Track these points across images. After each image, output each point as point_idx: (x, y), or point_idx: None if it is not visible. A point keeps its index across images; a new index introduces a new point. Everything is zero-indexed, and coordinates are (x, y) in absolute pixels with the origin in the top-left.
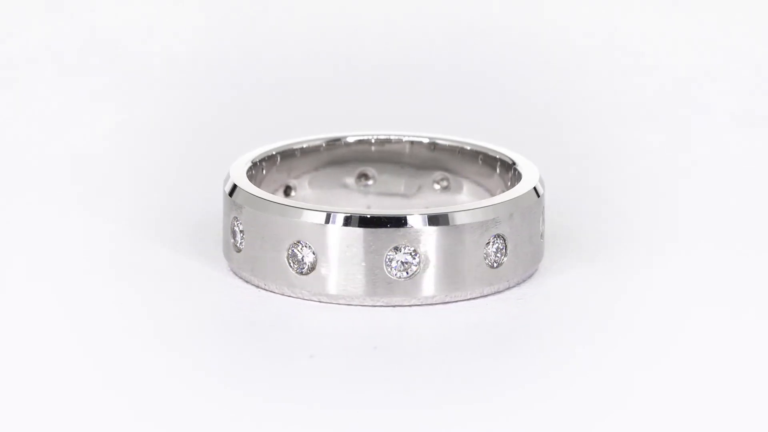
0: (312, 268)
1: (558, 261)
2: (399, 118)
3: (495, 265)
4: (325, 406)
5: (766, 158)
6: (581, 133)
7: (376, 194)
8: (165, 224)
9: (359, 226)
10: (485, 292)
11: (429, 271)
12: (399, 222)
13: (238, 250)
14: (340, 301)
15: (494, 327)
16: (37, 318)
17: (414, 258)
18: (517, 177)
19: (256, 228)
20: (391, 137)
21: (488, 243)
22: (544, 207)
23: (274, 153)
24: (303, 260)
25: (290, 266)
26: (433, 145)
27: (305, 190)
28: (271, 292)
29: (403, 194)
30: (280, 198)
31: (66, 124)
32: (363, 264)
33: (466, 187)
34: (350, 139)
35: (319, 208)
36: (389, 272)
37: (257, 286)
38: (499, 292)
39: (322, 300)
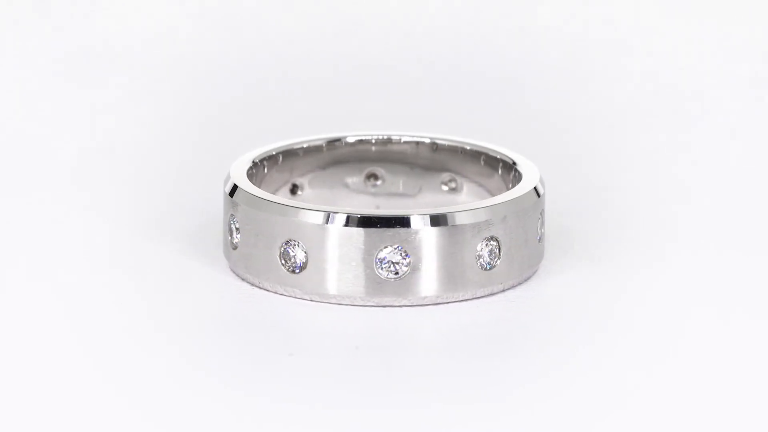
0: (303, 266)
1: (558, 261)
2: (399, 118)
3: (488, 267)
4: (326, 407)
5: (766, 159)
6: (582, 134)
7: (375, 194)
8: (166, 224)
9: (351, 225)
10: (478, 294)
11: (419, 272)
12: (389, 222)
13: (235, 248)
14: (332, 301)
15: (492, 327)
16: (37, 317)
17: (404, 258)
18: (518, 178)
19: (251, 226)
20: (392, 137)
21: (481, 245)
22: (544, 208)
23: (274, 153)
24: (294, 259)
25: (282, 264)
26: (435, 146)
27: (306, 189)
28: (265, 290)
29: (402, 194)
30: (274, 197)
31: (66, 123)
32: (353, 264)
33: (467, 187)
34: (350, 139)
35: (314, 208)
36: (379, 272)
37: (252, 284)
38: (492, 294)
39: (313, 299)
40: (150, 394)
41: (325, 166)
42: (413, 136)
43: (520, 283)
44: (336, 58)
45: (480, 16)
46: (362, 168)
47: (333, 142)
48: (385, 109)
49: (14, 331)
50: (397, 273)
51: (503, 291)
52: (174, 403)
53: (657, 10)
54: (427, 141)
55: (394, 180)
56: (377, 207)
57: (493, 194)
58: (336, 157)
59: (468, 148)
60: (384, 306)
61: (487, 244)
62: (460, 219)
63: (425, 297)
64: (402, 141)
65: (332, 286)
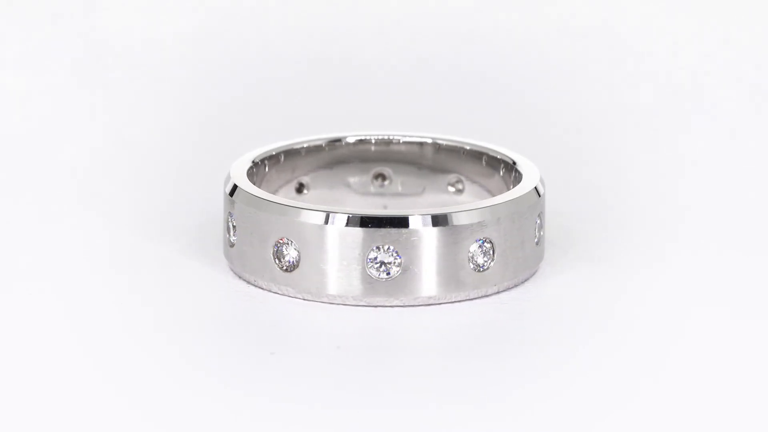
0: (296, 265)
1: (558, 262)
2: (399, 118)
3: (481, 268)
4: (324, 407)
5: (766, 159)
6: (582, 134)
7: (376, 194)
8: (166, 224)
9: (343, 225)
10: (471, 296)
11: (411, 273)
12: (381, 222)
13: (232, 245)
14: (324, 300)
15: (485, 329)
16: (37, 317)
17: (396, 259)
18: (518, 178)
19: (246, 224)
20: (392, 137)
21: (474, 246)
22: (542, 211)
23: (275, 153)
24: (287, 257)
25: (275, 263)
26: (437, 146)
27: (312, 189)
28: (260, 288)
29: (402, 194)
30: (270, 195)
31: (67, 123)
32: (345, 263)
33: (469, 188)
34: (350, 139)
35: (306, 207)
36: (371, 272)
37: (248, 282)
38: (485, 296)
39: (306, 298)
40: (150, 394)
41: (327, 166)
42: (413, 137)
43: (516, 285)
44: (336, 58)
45: (480, 16)
46: (363, 168)
47: (334, 142)
48: (385, 109)
49: (14, 330)
50: (388, 273)
51: (498, 293)
52: (174, 402)
53: (657, 10)
54: (429, 141)
55: (395, 180)
56: (385, 207)
57: (493, 195)
58: (338, 157)
59: (468, 148)
60: (375, 306)
61: (480, 246)
62: (454, 220)
63: (417, 297)
64: (402, 141)
65: (324, 286)
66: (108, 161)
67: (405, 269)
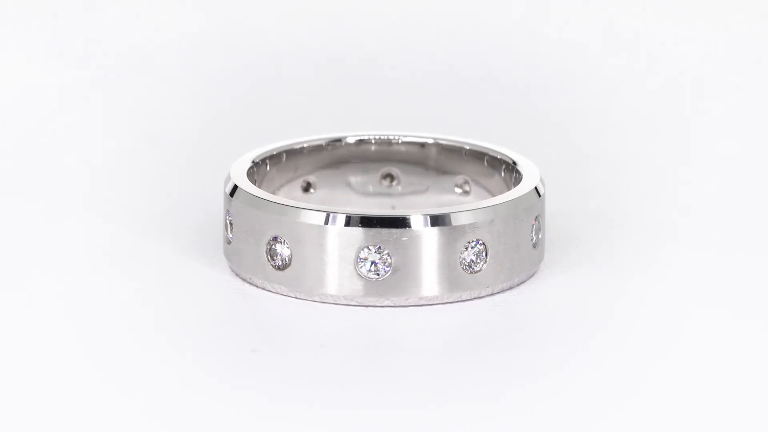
0: (288, 264)
1: (557, 262)
2: (399, 118)
3: (473, 270)
4: (325, 406)
5: (766, 159)
6: (582, 134)
7: (374, 194)
8: (166, 223)
9: (333, 224)
10: (463, 297)
11: (401, 273)
12: (371, 222)
13: (229, 242)
14: (315, 299)
15: (484, 329)
16: (37, 317)
17: (386, 259)
18: (518, 179)
19: (241, 222)
20: (392, 138)
21: (465, 248)
22: (540, 213)
23: (275, 152)
24: (279, 255)
25: (268, 261)
26: (439, 147)
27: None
28: (254, 285)
29: (402, 193)
30: (265, 194)
31: (67, 123)
32: (335, 262)
33: (473, 189)
34: (350, 140)
35: (298, 206)
36: (360, 272)
37: (243, 280)
38: (478, 297)
39: (298, 297)
40: (150, 394)
41: (329, 166)
42: (415, 137)
43: (511, 287)
44: (336, 58)
45: (480, 16)
46: (364, 168)
47: (334, 142)
48: (385, 109)
49: (14, 330)
50: (378, 273)
51: (491, 295)
52: (173, 402)
53: (657, 11)
54: (430, 141)
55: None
56: (393, 207)
57: (494, 195)
58: (339, 156)
59: (468, 148)
60: (367, 306)
61: (472, 247)
62: (451, 221)
63: (408, 298)
64: (402, 141)
65: (316, 285)
66: (108, 161)
67: (395, 270)
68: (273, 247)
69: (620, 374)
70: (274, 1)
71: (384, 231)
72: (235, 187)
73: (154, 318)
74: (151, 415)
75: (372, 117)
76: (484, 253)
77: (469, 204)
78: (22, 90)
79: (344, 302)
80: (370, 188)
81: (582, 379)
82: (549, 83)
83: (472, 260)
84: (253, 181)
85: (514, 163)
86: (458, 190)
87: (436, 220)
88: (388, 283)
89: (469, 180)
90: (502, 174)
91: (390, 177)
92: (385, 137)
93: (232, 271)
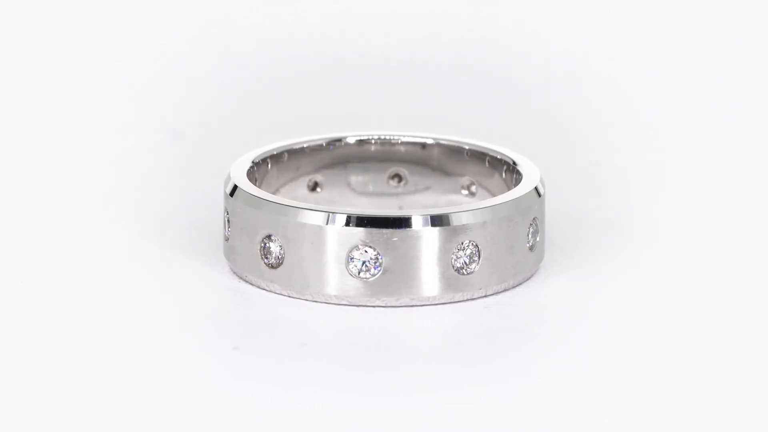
0: (280, 262)
1: (557, 264)
2: (399, 119)
3: (464, 272)
4: (326, 406)
5: (766, 159)
6: (582, 134)
7: (376, 194)
8: (166, 223)
9: (324, 223)
10: (455, 299)
11: (391, 274)
12: (363, 222)
13: (227, 239)
14: (307, 297)
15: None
16: (37, 317)
17: (377, 259)
18: (519, 179)
19: (237, 219)
20: (391, 138)
21: (458, 249)
22: (537, 216)
23: (276, 152)
24: (272, 253)
25: (262, 259)
26: (442, 147)
27: (303, 189)
28: (248, 283)
29: (401, 194)
30: (263, 193)
31: (67, 123)
32: (327, 261)
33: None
34: (350, 140)
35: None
36: (352, 272)
37: (240, 277)
38: (471, 299)
39: (291, 295)
40: (150, 394)
41: (331, 165)
42: (415, 137)
43: (506, 290)
44: (336, 58)
45: (480, 16)
46: (365, 168)
47: (334, 143)
48: (385, 109)
49: (14, 330)
50: (369, 273)
51: (485, 296)
52: (174, 402)
53: (657, 11)
54: (430, 141)
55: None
56: (400, 207)
57: (494, 196)
58: (340, 156)
59: (467, 148)
60: (357, 305)
61: (464, 249)
62: (435, 222)
63: (399, 299)
64: (402, 141)
65: (307, 284)
66: (108, 161)
67: (386, 270)
68: (266, 245)
69: (620, 375)
70: (275, 1)
71: (374, 231)
72: (235, 187)
73: (154, 317)
74: (152, 414)
75: (373, 117)
76: (476, 255)
77: (463, 205)
78: (23, 90)
79: (335, 302)
80: (371, 188)
81: (582, 379)
82: (549, 83)
83: (464, 262)
84: (254, 180)
85: (515, 163)
86: (464, 192)
87: (429, 221)
88: (379, 284)
89: (475, 182)
90: (503, 175)
91: (398, 177)
92: (387, 137)
93: (232, 270)
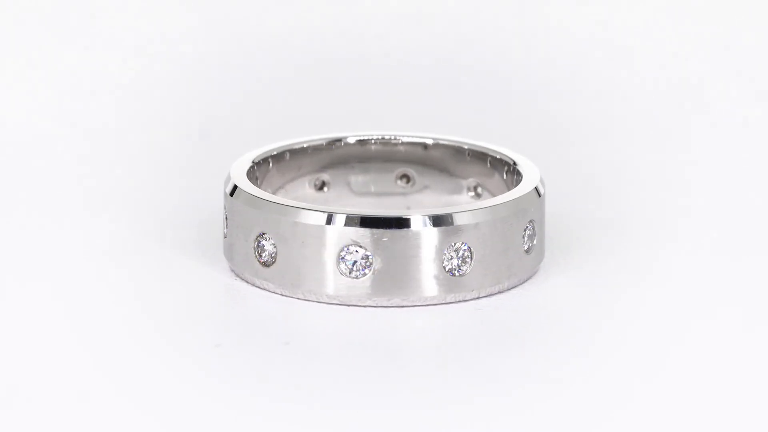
0: (273, 260)
1: (556, 263)
2: (399, 119)
3: (456, 273)
4: (325, 406)
5: (766, 159)
6: (582, 134)
7: (377, 194)
8: (167, 223)
9: (317, 222)
10: (448, 300)
11: (382, 274)
12: (353, 221)
13: (225, 237)
14: (299, 296)
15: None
16: (37, 317)
17: (367, 259)
18: (519, 180)
19: (234, 218)
20: (391, 138)
21: (450, 250)
22: (542, 217)
23: (276, 152)
24: (265, 251)
25: (256, 257)
26: (444, 147)
27: (304, 189)
28: (244, 281)
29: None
30: (262, 193)
31: (68, 123)
32: (318, 260)
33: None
34: (350, 140)
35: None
36: (342, 271)
37: (236, 274)
38: (463, 300)
39: (284, 294)
40: (150, 394)
41: (330, 165)
42: (416, 137)
43: (501, 292)
44: (336, 58)
45: (481, 16)
46: (365, 168)
47: (333, 142)
48: (384, 109)
49: (14, 330)
50: (359, 273)
51: (477, 298)
52: (174, 402)
53: (658, 10)
54: (429, 142)
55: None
56: (408, 207)
57: (495, 196)
58: (341, 156)
59: (466, 147)
60: (349, 305)
61: (456, 250)
62: (424, 222)
63: (390, 299)
64: (403, 141)
65: (298, 283)
66: (108, 161)
67: (376, 271)
68: (260, 243)
69: (620, 375)
70: (275, 1)
71: (366, 231)
72: (235, 187)
73: (153, 317)
74: (152, 414)
75: (371, 117)
76: (469, 257)
77: (458, 206)
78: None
79: (327, 301)
80: (372, 188)
81: (581, 379)
82: (549, 83)
83: (456, 263)
84: (254, 180)
85: (515, 163)
86: (471, 194)
87: (420, 222)
88: (369, 284)
89: (480, 184)
90: (504, 176)
91: (406, 177)
92: (387, 137)
93: (231, 270)
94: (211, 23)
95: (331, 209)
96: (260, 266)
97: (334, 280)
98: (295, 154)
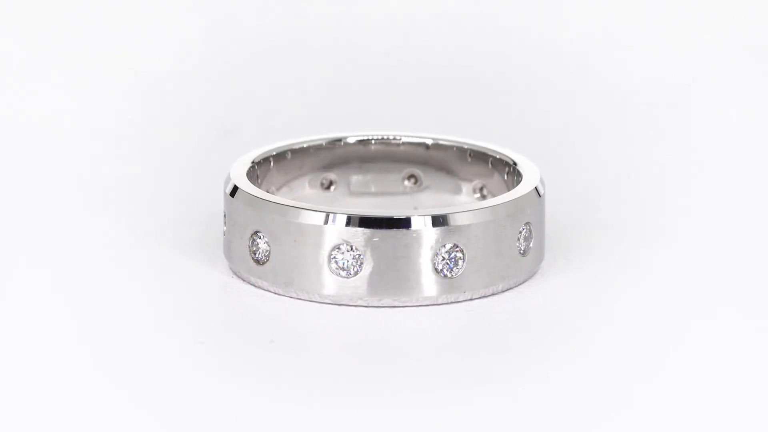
0: (267, 258)
1: (556, 263)
2: (399, 118)
3: (447, 274)
4: (324, 406)
5: (766, 159)
6: (582, 135)
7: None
8: (167, 223)
9: (310, 221)
10: (440, 301)
11: (373, 274)
12: (345, 221)
13: (224, 234)
14: (291, 295)
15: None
16: (37, 316)
17: (357, 259)
18: (519, 180)
19: (232, 216)
20: (390, 137)
21: (441, 251)
22: (542, 218)
23: (275, 152)
24: (259, 249)
25: (250, 255)
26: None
27: (305, 189)
28: (241, 279)
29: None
30: (255, 190)
31: (68, 123)
32: (309, 259)
33: (465, 189)
34: (351, 140)
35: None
36: (333, 270)
37: (234, 272)
38: (456, 302)
39: (278, 292)
40: (150, 394)
41: (330, 165)
42: (416, 137)
43: (495, 294)
44: (336, 58)
45: (481, 16)
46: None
47: (334, 143)
48: (384, 109)
49: (15, 330)
50: (349, 273)
51: (470, 300)
52: (174, 402)
53: (658, 10)
54: (429, 142)
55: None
56: (415, 208)
57: (494, 195)
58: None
59: (467, 148)
60: (340, 305)
61: (448, 251)
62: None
63: (381, 299)
64: (403, 141)
65: (291, 281)
66: (108, 160)
67: (367, 271)
68: (255, 241)
69: (620, 375)
70: (277, 1)
71: (357, 230)
72: (235, 187)
73: (153, 317)
74: (152, 414)
75: (370, 117)
76: (461, 258)
77: (452, 207)
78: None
79: (318, 299)
80: (372, 188)
81: (581, 379)
82: (550, 84)
83: (448, 264)
84: (255, 179)
85: (515, 163)
86: (476, 195)
87: (413, 222)
88: (360, 284)
89: (485, 185)
90: (505, 177)
91: (413, 178)
92: (388, 137)
93: (231, 270)
94: (211, 23)
95: (324, 208)
96: (254, 264)
97: (325, 280)
98: (297, 153)
